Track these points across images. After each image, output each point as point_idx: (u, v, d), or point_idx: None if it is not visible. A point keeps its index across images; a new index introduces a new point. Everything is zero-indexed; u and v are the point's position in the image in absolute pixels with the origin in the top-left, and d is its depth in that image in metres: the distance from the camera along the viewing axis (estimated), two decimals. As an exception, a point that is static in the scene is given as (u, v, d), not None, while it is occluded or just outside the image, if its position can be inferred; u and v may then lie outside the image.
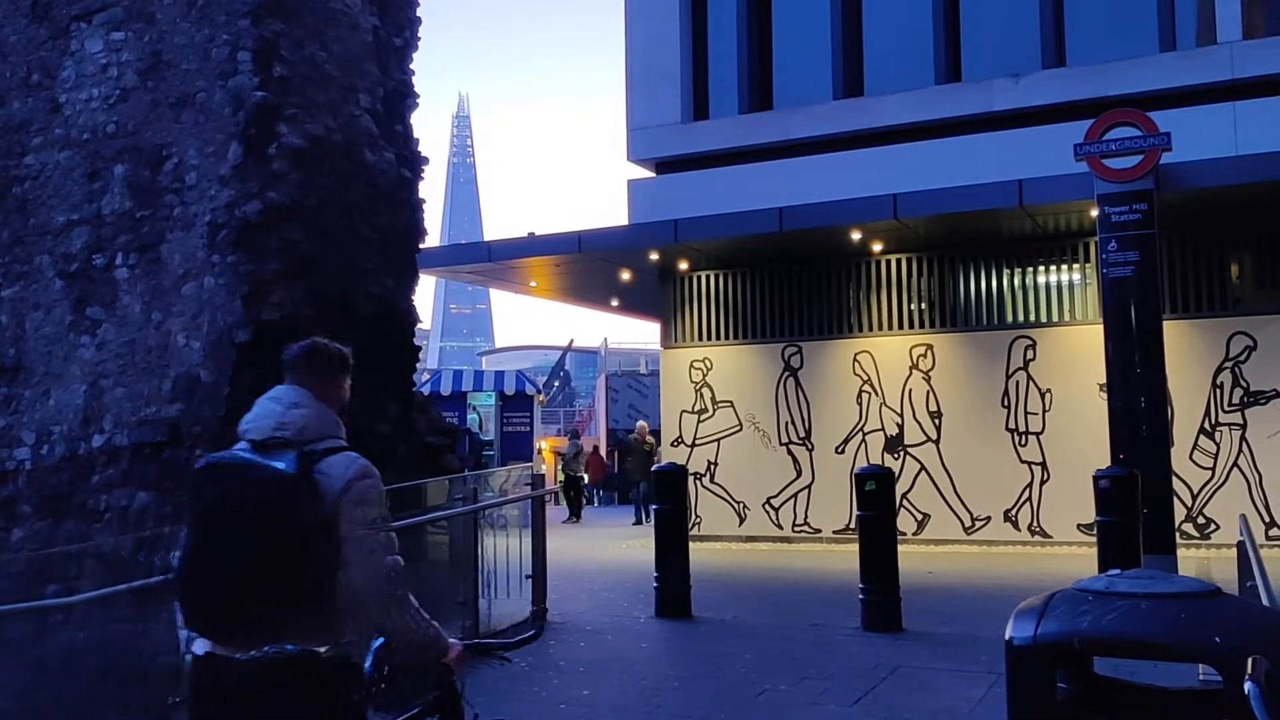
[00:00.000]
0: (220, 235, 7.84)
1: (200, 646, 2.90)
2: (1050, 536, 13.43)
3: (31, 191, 8.85)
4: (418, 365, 9.92)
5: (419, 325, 9.71)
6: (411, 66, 9.80)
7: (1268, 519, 12.46)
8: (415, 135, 9.73)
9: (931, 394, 14.31)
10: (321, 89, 8.49)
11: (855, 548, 8.81)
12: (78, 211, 8.58)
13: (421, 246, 9.72)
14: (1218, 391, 12.90)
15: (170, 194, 8.20)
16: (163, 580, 5.85)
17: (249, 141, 7.91)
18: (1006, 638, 2.78)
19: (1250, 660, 2.36)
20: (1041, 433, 13.67)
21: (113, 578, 7.38)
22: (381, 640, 2.97)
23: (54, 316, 8.60)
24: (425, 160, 9.78)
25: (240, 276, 7.77)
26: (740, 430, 15.28)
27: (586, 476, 22.74)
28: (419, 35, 9.89)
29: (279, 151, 7.99)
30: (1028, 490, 13.67)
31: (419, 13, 9.92)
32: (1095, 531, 9.81)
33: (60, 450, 8.36)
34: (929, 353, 14.38)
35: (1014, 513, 13.71)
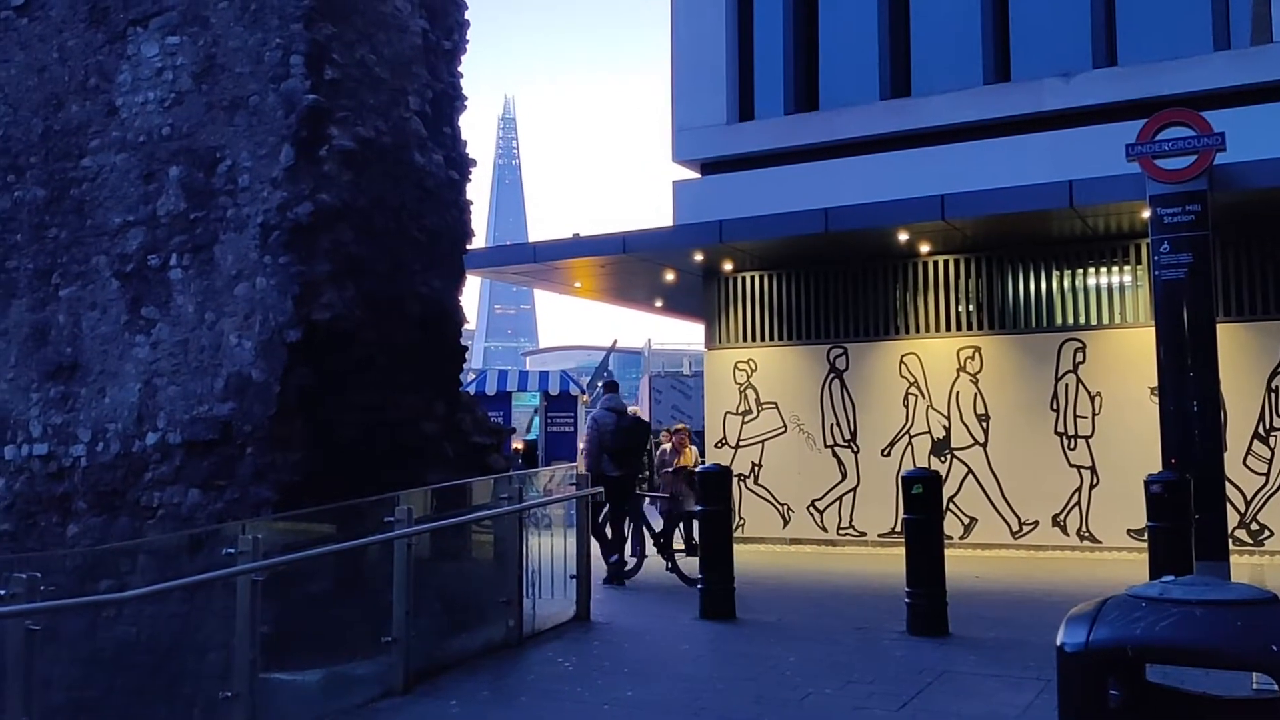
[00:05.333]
0: (272, 236, 7.95)
1: (612, 471, 11.55)
2: (1100, 542, 13.27)
3: (89, 193, 9.03)
4: (464, 365, 9.99)
5: (465, 326, 9.79)
6: (460, 69, 9.87)
7: (1324, 526, 12.23)
8: (463, 137, 9.80)
9: (979, 397, 14.18)
10: (372, 92, 8.58)
11: (901, 551, 8.76)
12: (134, 213, 8.73)
13: (468, 247, 9.80)
14: (1272, 396, 12.68)
15: (223, 196, 8.33)
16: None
17: (300, 144, 8.01)
18: (1058, 643, 2.76)
19: (1308, 670, 2.33)
20: (1091, 436, 13.50)
21: (165, 574, 7.51)
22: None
23: (110, 316, 8.76)
24: (473, 162, 9.85)
25: (291, 277, 7.87)
26: (785, 432, 15.23)
27: None
28: (467, 38, 9.97)
29: (330, 154, 8.09)
30: (1077, 495, 13.51)
31: (467, 16, 10.00)
32: (1146, 537, 9.68)
33: (115, 448, 8.51)
34: (977, 355, 14.26)
35: (1063, 517, 13.55)
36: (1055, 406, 13.72)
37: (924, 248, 14.24)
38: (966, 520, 13.98)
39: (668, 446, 14.44)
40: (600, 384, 14.13)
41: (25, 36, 9.57)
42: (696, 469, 14.54)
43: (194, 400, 8.17)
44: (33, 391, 9.07)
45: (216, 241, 8.31)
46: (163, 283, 8.53)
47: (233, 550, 6.39)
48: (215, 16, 8.57)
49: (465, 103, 9.86)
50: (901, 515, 9.07)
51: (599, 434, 11.80)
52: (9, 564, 7.93)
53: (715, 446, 15.46)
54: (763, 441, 15.33)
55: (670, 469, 13.83)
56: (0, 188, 9.52)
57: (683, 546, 12.22)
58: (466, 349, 10.01)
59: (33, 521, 8.85)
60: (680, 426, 15.16)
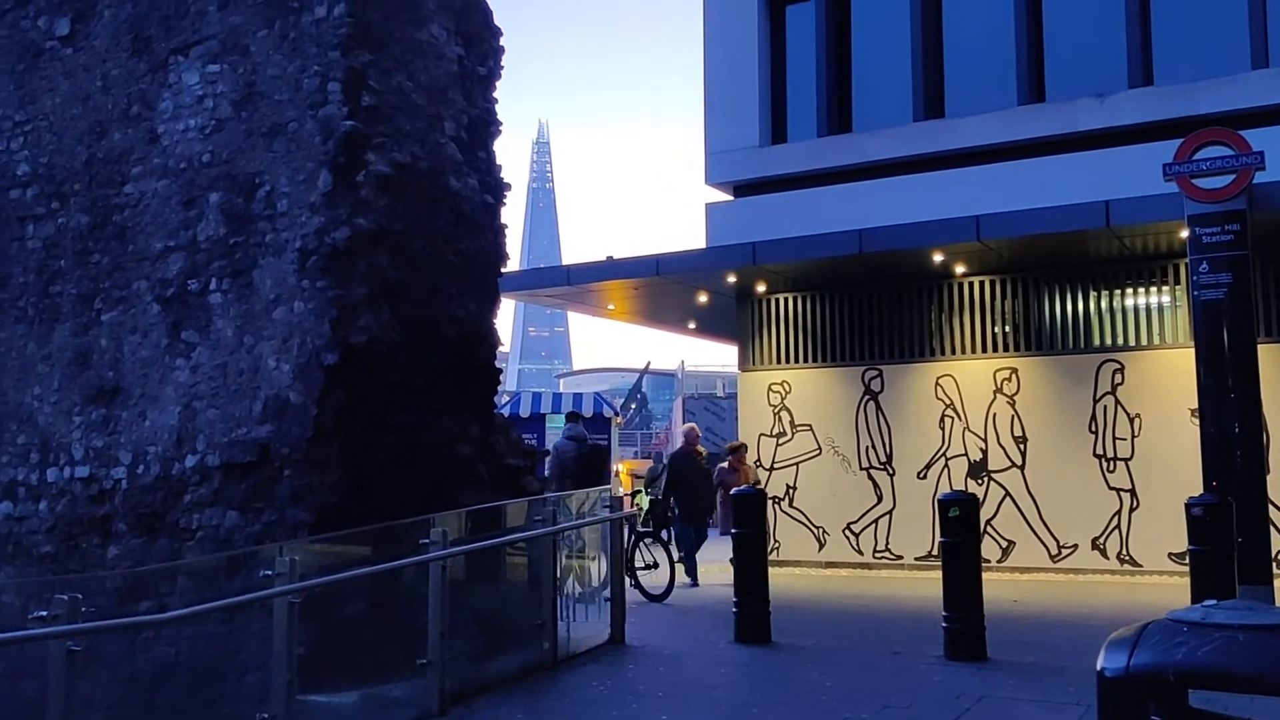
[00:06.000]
0: (310, 261, 8.04)
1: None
2: (1140, 565, 13.10)
3: (131, 219, 9.17)
4: (498, 387, 10.03)
5: (499, 348, 9.83)
6: (494, 95, 9.96)
7: (1371, 550, 11.99)
8: (497, 162, 9.88)
9: (1016, 418, 14.07)
10: (408, 118, 8.68)
11: (938, 575, 8.68)
12: (174, 238, 8.86)
13: (503, 271, 9.86)
14: (1316, 417, 12.48)
15: (262, 221, 8.43)
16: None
17: (338, 169, 8.11)
18: (1098, 668, 2.73)
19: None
20: (1130, 459, 13.35)
21: (203, 595, 7.57)
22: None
23: (151, 340, 8.88)
24: (507, 186, 9.92)
25: (329, 301, 7.95)
26: (819, 454, 15.17)
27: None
28: (502, 64, 10.06)
29: (367, 179, 8.18)
30: (1116, 518, 13.35)
31: (502, 42, 10.09)
32: (1188, 561, 9.55)
33: (155, 470, 8.61)
34: (1013, 376, 14.16)
35: (1102, 541, 13.39)
36: (1094, 428, 13.59)
37: (959, 269, 14.18)
38: (1004, 543, 13.85)
39: (724, 465, 14.11)
40: (565, 414, 15.20)
41: (70, 66, 9.75)
42: (731, 490, 14.22)
43: (232, 423, 8.26)
44: (75, 414, 9.20)
45: (255, 266, 8.42)
46: (202, 307, 8.64)
47: (270, 572, 6.44)
48: (255, 45, 8.70)
49: (500, 128, 9.94)
50: (938, 538, 8.99)
51: (560, 461, 12.71)
52: (51, 585, 8.03)
53: (750, 469, 15.42)
54: (797, 464, 15.28)
55: (727, 488, 13.39)
56: (45, 215, 9.69)
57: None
58: (501, 371, 10.06)
59: (74, 543, 8.95)
60: (738, 443, 14.70)
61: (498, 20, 10.07)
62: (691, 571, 13.37)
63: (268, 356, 8.20)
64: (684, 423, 28.79)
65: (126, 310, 9.09)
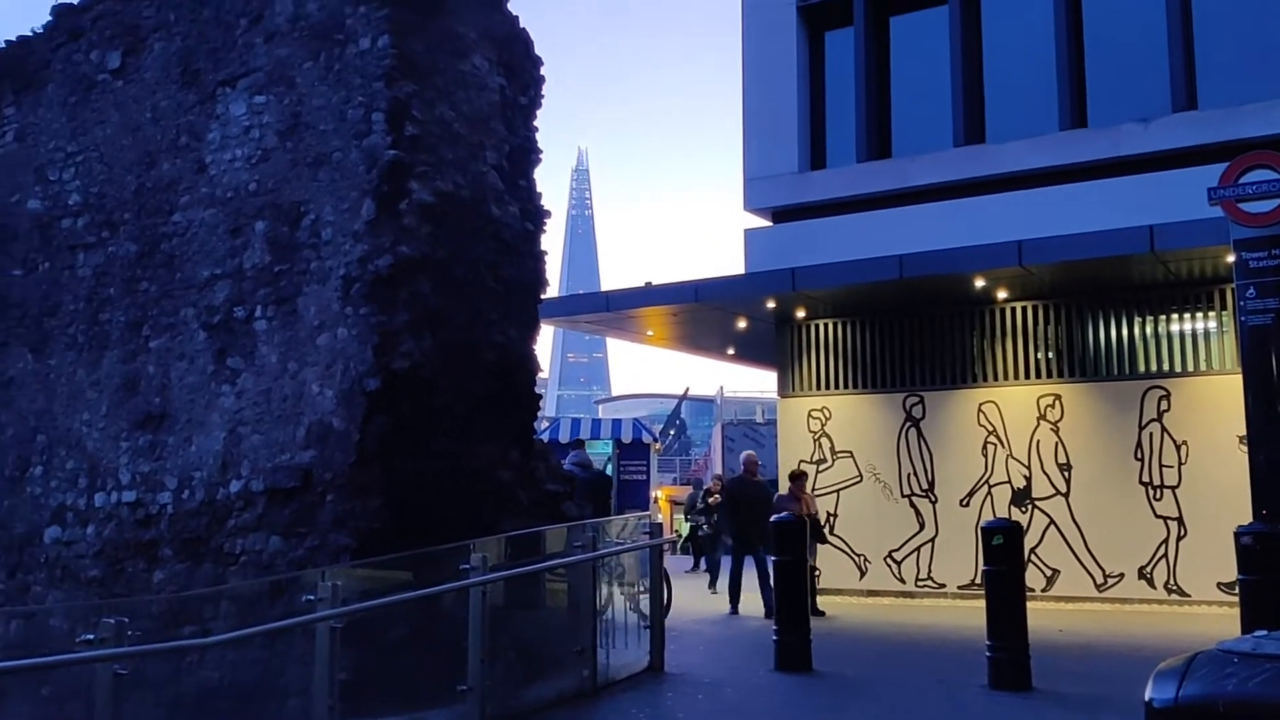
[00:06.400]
0: (353, 288, 8.14)
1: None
2: (1188, 595, 12.87)
3: (179, 248, 9.33)
4: (538, 413, 10.07)
5: (539, 374, 9.87)
6: (535, 124, 10.06)
7: None
8: (538, 189, 9.96)
9: (1060, 445, 13.91)
10: (451, 147, 8.77)
11: (981, 603, 8.59)
12: (221, 266, 9.00)
13: (543, 297, 9.92)
14: (1369, 445, 12.24)
15: (307, 249, 8.55)
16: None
17: (381, 198, 8.21)
18: (1146, 699, 2.70)
19: None
20: (1177, 486, 13.15)
21: (246, 620, 7.64)
22: None
23: (197, 366, 9.00)
24: (547, 214, 10.00)
25: (371, 327, 8.03)
26: (860, 481, 15.06)
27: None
28: (542, 94, 10.16)
29: (410, 208, 8.28)
30: (1163, 546, 13.14)
31: (542, 72, 10.20)
32: (1237, 590, 9.38)
33: (200, 495, 8.71)
34: (1057, 403, 14.01)
35: (1149, 570, 13.18)
36: (1139, 455, 13.40)
37: (1001, 294, 14.08)
38: (1049, 572, 13.67)
39: (784, 493, 13.50)
40: (569, 443, 15.93)
41: (121, 98, 9.97)
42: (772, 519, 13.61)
43: (276, 448, 8.34)
44: (122, 440, 9.34)
45: (300, 293, 8.53)
46: (248, 334, 8.76)
47: (312, 597, 6.48)
48: (300, 76, 8.85)
49: (540, 156, 10.03)
50: (981, 567, 8.90)
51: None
52: (98, 609, 8.13)
53: (789, 495, 15.32)
54: (838, 491, 15.18)
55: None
56: (95, 243, 9.89)
57: None
58: (540, 397, 10.09)
59: (120, 567, 9.07)
60: (799, 471, 13.84)
61: (538, 50, 10.19)
62: (769, 600, 12.48)
63: (311, 383, 8.29)
64: (722, 449, 28.72)
65: (174, 337, 9.23)
